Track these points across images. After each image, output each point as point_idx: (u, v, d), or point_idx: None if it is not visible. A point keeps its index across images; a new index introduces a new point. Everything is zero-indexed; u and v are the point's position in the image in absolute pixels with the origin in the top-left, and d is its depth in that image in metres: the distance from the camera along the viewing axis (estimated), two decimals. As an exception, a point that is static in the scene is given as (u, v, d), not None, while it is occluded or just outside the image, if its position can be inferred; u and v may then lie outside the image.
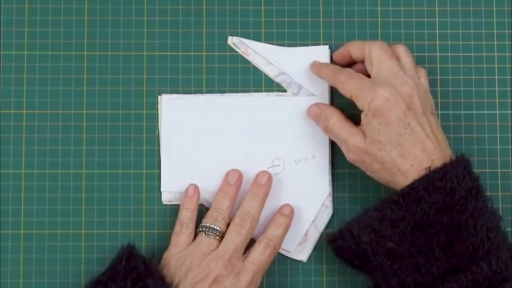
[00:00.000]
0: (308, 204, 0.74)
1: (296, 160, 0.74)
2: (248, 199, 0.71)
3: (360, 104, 0.69)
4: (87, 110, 0.75)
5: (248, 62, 0.76)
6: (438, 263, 0.64)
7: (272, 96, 0.75)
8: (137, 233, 0.73)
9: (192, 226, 0.71)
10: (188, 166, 0.74)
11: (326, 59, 0.76)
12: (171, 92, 0.75)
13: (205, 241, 0.69)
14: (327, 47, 0.76)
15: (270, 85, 0.76)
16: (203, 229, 0.70)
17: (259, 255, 0.70)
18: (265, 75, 0.76)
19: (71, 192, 0.74)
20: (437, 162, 0.66)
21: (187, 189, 0.73)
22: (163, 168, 0.74)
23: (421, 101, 0.68)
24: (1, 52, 0.75)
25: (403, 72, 0.69)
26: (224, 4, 0.76)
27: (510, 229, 0.73)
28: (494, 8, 0.77)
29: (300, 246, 0.74)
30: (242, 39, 0.76)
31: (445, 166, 0.65)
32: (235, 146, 0.74)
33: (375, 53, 0.70)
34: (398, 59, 0.71)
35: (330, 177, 0.75)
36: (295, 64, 0.76)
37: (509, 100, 0.76)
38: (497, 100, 0.76)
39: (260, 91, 0.76)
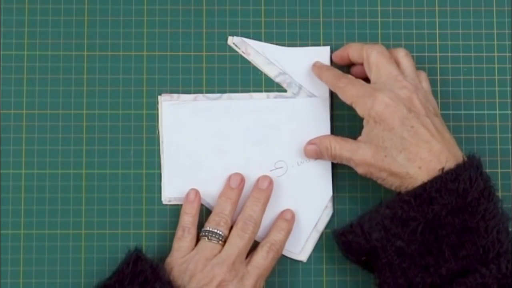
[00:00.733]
0: (311, 206, 0.74)
1: (299, 162, 0.74)
2: (250, 203, 0.72)
3: (360, 110, 0.69)
4: (87, 110, 0.75)
5: (248, 62, 0.76)
6: (447, 264, 0.64)
7: (273, 99, 0.75)
8: (137, 233, 0.73)
9: (194, 230, 0.71)
10: (190, 170, 0.74)
11: (327, 60, 0.76)
12: (171, 92, 0.75)
13: (208, 246, 0.69)
14: (328, 48, 0.76)
15: (270, 85, 0.76)
16: (206, 233, 0.70)
17: (262, 260, 0.70)
18: (265, 75, 0.76)
19: (71, 192, 0.74)
20: (447, 162, 0.66)
21: (187, 194, 0.73)
22: (165, 173, 0.74)
23: (422, 104, 0.68)
24: (1, 52, 0.75)
25: (402, 76, 0.69)
26: (224, 4, 0.76)
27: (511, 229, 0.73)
28: (494, 8, 0.77)
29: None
30: (243, 39, 0.76)
31: (457, 167, 0.65)
32: (237, 149, 0.74)
33: (373, 58, 0.70)
34: (398, 63, 0.71)
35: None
36: (296, 64, 0.76)
37: (509, 100, 0.76)
38: (497, 100, 0.76)
39: (260, 91, 0.76)
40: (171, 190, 0.74)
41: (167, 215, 0.74)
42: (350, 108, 0.71)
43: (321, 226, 0.74)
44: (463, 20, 0.77)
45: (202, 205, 0.73)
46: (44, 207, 0.73)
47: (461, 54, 0.76)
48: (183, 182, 0.73)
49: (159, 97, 0.75)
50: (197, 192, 0.73)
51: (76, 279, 0.72)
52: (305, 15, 0.77)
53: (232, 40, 0.76)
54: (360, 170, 0.70)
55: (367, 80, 0.72)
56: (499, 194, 0.74)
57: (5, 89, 0.75)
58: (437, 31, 0.77)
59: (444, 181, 0.65)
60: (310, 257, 0.74)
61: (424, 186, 0.65)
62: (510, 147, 0.76)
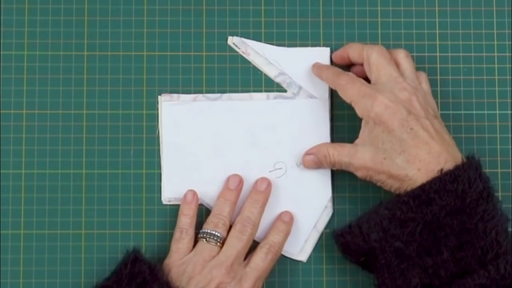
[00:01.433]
0: (311, 206, 0.74)
1: (298, 163, 0.74)
2: (248, 205, 0.72)
3: (359, 111, 0.69)
4: (87, 110, 0.75)
5: (248, 62, 0.76)
6: (446, 265, 0.64)
7: (273, 99, 0.75)
8: (137, 233, 0.73)
9: (191, 232, 0.71)
10: (190, 170, 0.74)
11: (327, 61, 0.76)
12: (171, 92, 0.75)
13: (206, 248, 0.69)
14: (328, 48, 0.76)
15: (270, 85, 0.76)
16: (204, 235, 0.70)
17: (261, 261, 0.70)
18: (265, 75, 0.76)
19: (71, 192, 0.74)
20: (446, 163, 0.66)
21: (185, 195, 0.73)
22: (165, 173, 0.74)
23: (421, 105, 0.68)
24: (1, 52, 0.75)
25: (401, 78, 0.69)
26: (224, 4, 0.76)
27: (511, 230, 0.73)
28: (494, 8, 0.77)
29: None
30: (243, 39, 0.76)
31: (456, 168, 0.65)
32: (236, 150, 0.74)
33: (374, 59, 0.70)
34: (398, 64, 0.71)
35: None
36: (296, 64, 0.76)
37: (509, 100, 0.76)
38: (497, 100, 0.76)
39: (260, 91, 0.76)
40: (171, 190, 0.74)
41: (167, 215, 0.74)
42: (350, 108, 0.71)
43: (321, 226, 0.74)
44: (463, 20, 0.77)
45: (201, 205, 0.73)
46: (44, 207, 0.73)
47: (461, 54, 0.76)
48: (183, 182, 0.73)
49: (159, 97, 0.75)
50: (194, 193, 0.73)
51: (76, 279, 0.72)
52: (305, 15, 0.77)
53: (232, 40, 0.76)
54: (359, 173, 0.70)
55: (367, 80, 0.72)
56: (499, 194, 0.74)
57: (5, 89, 0.75)
58: (437, 31, 0.77)
59: (442, 182, 0.65)
60: (310, 257, 0.74)
61: (422, 187, 0.65)
62: (510, 147, 0.76)
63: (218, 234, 0.70)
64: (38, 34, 0.75)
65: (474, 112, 0.76)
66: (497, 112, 0.76)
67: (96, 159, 0.74)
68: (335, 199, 0.74)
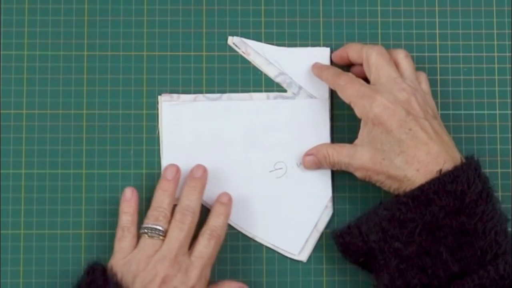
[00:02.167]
0: (311, 206, 0.74)
1: (298, 163, 0.74)
2: (185, 193, 0.71)
3: (358, 111, 0.69)
4: (87, 110, 0.75)
5: (248, 62, 0.76)
6: (445, 266, 0.64)
7: (273, 100, 0.75)
8: (137, 233, 0.73)
9: (134, 229, 0.70)
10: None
11: (327, 61, 0.76)
12: (171, 92, 0.75)
13: (149, 243, 0.69)
14: (328, 49, 0.76)
15: (270, 85, 0.76)
16: (146, 230, 0.69)
17: (205, 248, 0.69)
18: (265, 75, 0.76)
19: (71, 192, 0.74)
20: (445, 164, 0.66)
21: (124, 193, 0.72)
22: (165, 174, 0.74)
23: (420, 106, 0.68)
24: (1, 52, 0.75)
25: (401, 79, 0.69)
26: (224, 4, 0.76)
27: (511, 230, 0.73)
28: (494, 8, 0.77)
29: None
30: (243, 39, 0.76)
31: (455, 169, 0.65)
32: (236, 150, 0.74)
33: (373, 59, 0.70)
34: (397, 65, 0.71)
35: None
36: (296, 64, 0.76)
37: (509, 100, 0.76)
38: (497, 100, 0.76)
39: (260, 91, 0.76)
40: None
41: (167, 215, 0.74)
42: (350, 108, 0.71)
43: (321, 226, 0.74)
44: (463, 20, 0.77)
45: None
46: (44, 207, 0.73)
47: (461, 54, 0.76)
48: (183, 182, 0.73)
49: (159, 97, 0.75)
50: (133, 190, 0.72)
51: (76, 279, 0.72)
52: (305, 15, 0.77)
53: (232, 40, 0.76)
54: (358, 174, 0.70)
55: (366, 80, 0.72)
56: (499, 194, 0.74)
57: (5, 89, 0.75)
58: (437, 31, 0.77)
59: (442, 183, 0.65)
60: (310, 257, 0.74)
61: (422, 188, 0.65)
62: (510, 147, 0.76)
63: (160, 228, 0.69)
64: (38, 34, 0.75)
65: (474, 112, 0.76)
66: (497, 112, 0.76)
67: (96, 159, 0.74)
68: (335, 199, 0.74)
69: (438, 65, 0.76)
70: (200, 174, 0.72)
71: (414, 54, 0.76)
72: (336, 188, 0.75)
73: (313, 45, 0.76)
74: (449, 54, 0.76)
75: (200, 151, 0.74)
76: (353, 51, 0.73)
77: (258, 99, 0.75)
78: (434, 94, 0.73)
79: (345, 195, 0.75)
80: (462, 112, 0.76)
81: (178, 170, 0.72)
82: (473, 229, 0.64)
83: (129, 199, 0.71)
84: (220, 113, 0.75)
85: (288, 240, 0.73)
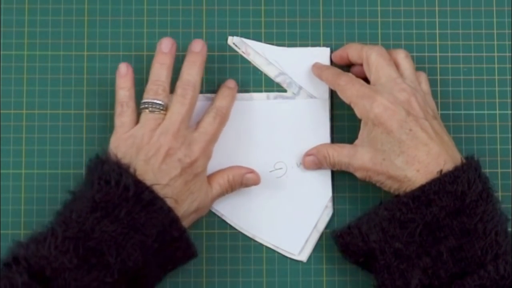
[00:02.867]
0: (311, 206, 0.74)
1: (298, 163, 0.74)
2: (185, 68, 0.71)
3: (358, 111, 0.69)
4: (87, 110, 0.75)
5: (248, 62, 0.76)
6: (445, 266, 0.64)
7: (273, 100, 0.75)
8: (137, 233, 0.73)
9: (132, 104, 0.70)
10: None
11: (327, 61, 0.76)
12: (171, 92, 0.75)
13: (151, 117, 0.69)
14: (328, 48, 0.76)
15: (270, 85, 0.76)
16: (146, 105, 0.69)
17: (209, 125, 0.70)
18: (265, 75, 0.76)
19: (71, 192, 0.74)
20: (446, 164, 0.66)
21: (119, 69, 0.71)
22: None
23: (420, 106, 0.68)
24: (1, 52, 0.75)
25: (401, 79, 0.70)
26: (224, 4, 0.76)
27: (511, 230, 0.73)
28: (494, 8, 0.77)
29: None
30: (243, 39, 0.76)
31: (456, 169, 0.65)
32: (236, 150, 0.74)
33: (373, 60, 0.70)
34: (397, 65, 0.71)
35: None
36: (296, 64, 0.76)
37: (509, 100, 0.76)
38: (497, 100, 0.76)
39: (260, 91, 0.76)
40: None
41: (167, 215, 0.74)
42: (350, 108, 0.71)
43: (321, 226, 0.74)
44: (463, 20, 0.77)
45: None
46: (44, 207, 0.73)
47: (461, 54, 0.76)
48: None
49: (159, 97, 0.75)
50: (128, 65, 0.71)
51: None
52: (305, 15, 0.77)
53: (232, 40, 0.76)
54: (358, 174, 0.70)
55: (366, 80, 0.72)
56: (499, 194, 0.74)
57: (5, 89, 0.75)
58: (437, 31, 0.77)
59: (442, 183, 0.65)
60: (310, 257, 0.74)
61: (422, 188, 0.65)
62: (510, 147, 0.76)
63: (160, 102, 0.69)
64: (38, 34, 0.75)
65: (474, 112, 0.76)
66: (497, 112, 0.76)
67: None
68: (335, 199, 0.74)
69: (438, 65, 0.76)
70: (199, 49, 0.71)
71: (414, 54, 0.76)
72: (336, 188, 0.75)
73: (313, 45, 0.76)
74: (449, 54, 0.76)
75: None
76: (353, 51, 0.73)
77: (258, 99, 0.75)
78: (434, 94, 0.73)
79: (345, 195, 0.75)
80: (462, 112, 0.76)
81: (173, 43, 0.71)
82: (473, 229, 0.64)
83: (124, 74, 0.71)
84: (220, 113, 0.75)
85: (288, 240, 0.73)
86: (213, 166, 0.73)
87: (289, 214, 0.74)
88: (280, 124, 0.75)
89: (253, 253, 0.74)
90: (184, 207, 0.68)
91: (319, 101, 0.75)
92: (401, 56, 0.72)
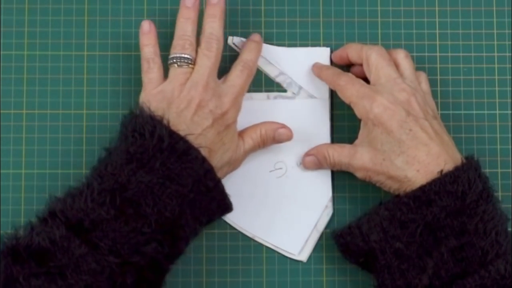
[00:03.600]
0: (311, 206, 0.74)
1: (298, 163, 0.74)
2: (207, 22, 0.71)
3: (358, 112, 0.69)
4: (87, 110, 0.75)
5: (248, 62, 0.76)
6: (446, 266, 0.64)
7: (273, 99, 0.75)
8: (137, 233, 0.73)
9: (158, 60, 0.71)
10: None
11: (327, 61, 0.76)
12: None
13: (179, 72, 0.69)
14: (328, 49, 0.76)
15: (270, 85, 0.76)
16: (174, 60, 0.69)
17: (237, 78, 0.70)
18: (265, 75, 0.76)
19: (71, 192, 0.74)
20: (446, 165, 0.66)
21: (142, 26, 0.71)
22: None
23: (420, 106, 0.68)
24: (1, 52, 0.75)
25: (401, 79, 0.70)
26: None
27: (511, 229, 0.73)
28: (494, 8, 0.77)
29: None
30: (243, 39, 0.76)
31: (456, 169, 0.65)
32: (236, 148, 0.74)
33: (373, 60, 0.70)
34: (397, 65, 0.71)
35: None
36: (296, 64, 0.76)
37: (509, 100, 0.76)
38: (497, 100, 0.76)
39: (260, 91, 0.76)
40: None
41: (167, 215, 0.74)
42: (350, 108, 0.71)
43: (321, 226, 0.74)
44: (463, 20, 0.77)
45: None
46: (44, 207, 0.73)
47: (461, 54, 0.76)
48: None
49: (159, 97, 0.75)
50: (150, 22, 0.71)
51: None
52: (305, 15, 0.77)
53: (232, 40, 0.76)
54: (358, 174, 0.70)
55: (366, 80, 0.72)
56: (499, 194, 0.74)
57: (5, 89, 0.75)
58: (437, 31, 0.77)
59: (442, 184, 0.65)
60: (310, 257, 0.74)
61: (423, 188, 0.65)
62: (510, 147, 0.76)
63: (188, 56, 0.69)
64: (38, 34, 0.75)
65: (474, 112, 0.76)
66: (497, 112, 0.76)
67: (96, 159, 0.74)
68: (335, 199, 0.74)
69: (438, 65, 0.76)
70: (217, 0, 0.71)
71: (414, 54, 0.76)
72: (336, 188, 0.75)
73: (313, 45, 0.76)
74: (449, 54, 0.76)
75: (200, 151, 0.74)
76: (353, 51, 0.73)
77: (258, 99, 0.75)
78: (434, 94, 0.73)
79: (345, 195, 0.75)
80: (462, 112, 0.76)
81: None
82: (474, 229, 0.64)
83: (148, 31, 0.71)
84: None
85: (288, 240, 0.73)
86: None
87: (289, 214, 0.74)
88: (280, 124, 0.75)
89: (253, 253, 0.74)
90: (217, 158, 0.68)
91: (319, 101, 0.75)
92: (401, 56, 0.72)
